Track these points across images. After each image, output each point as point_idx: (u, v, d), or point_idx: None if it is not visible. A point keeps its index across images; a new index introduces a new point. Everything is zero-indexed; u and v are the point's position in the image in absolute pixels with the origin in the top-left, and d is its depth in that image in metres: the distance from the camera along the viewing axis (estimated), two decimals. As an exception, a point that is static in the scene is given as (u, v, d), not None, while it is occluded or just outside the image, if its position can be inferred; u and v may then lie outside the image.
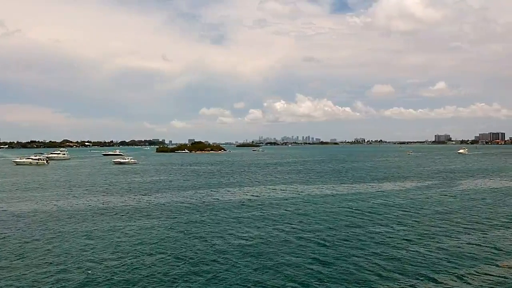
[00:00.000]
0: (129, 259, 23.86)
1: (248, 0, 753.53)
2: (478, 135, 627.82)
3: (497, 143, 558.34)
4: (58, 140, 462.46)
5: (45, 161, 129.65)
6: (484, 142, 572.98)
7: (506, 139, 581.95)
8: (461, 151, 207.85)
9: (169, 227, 32.88)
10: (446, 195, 50.11)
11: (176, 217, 36.98)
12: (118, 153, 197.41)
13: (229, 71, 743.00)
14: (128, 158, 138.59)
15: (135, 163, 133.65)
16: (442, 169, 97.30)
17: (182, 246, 26.82)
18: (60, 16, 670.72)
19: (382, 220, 35.07)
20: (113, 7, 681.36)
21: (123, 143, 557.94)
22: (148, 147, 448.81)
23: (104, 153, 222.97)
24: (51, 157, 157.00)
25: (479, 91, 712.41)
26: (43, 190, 58.85)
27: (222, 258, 24.12)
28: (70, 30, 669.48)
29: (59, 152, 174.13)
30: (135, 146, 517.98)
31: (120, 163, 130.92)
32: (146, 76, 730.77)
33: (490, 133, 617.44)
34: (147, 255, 24.90)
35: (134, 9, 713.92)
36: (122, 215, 37.97)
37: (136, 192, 55.45)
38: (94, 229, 31.87)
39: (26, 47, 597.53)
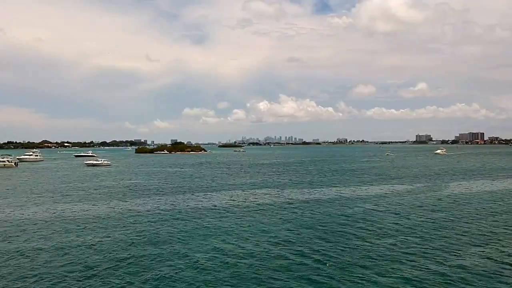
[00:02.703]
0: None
1: (233, 0, 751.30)
2: (458, 135, 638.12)
3: (477, 143, 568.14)
4: (37, 141, 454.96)
5: (13, 163, 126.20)
6: (464, 142, 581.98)
7: (485, 139, 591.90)
8: (438, 151, 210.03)
9: (133, 236, 31.59)
10: (418, 200, 49.84)
11: (137, 227, 35.40)
12: (90, 154, 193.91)
13: (212, 71, 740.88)
14: (101, 160, 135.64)
15: (108, 165, 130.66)
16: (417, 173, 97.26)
17: (143, 261, 25.48)
18: (39, 15, 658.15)
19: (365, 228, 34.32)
20: (93, 7, 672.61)
21: (103, 144, 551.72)
22: (129, 148, 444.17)
23: (76, 154, 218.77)
24: (23, 158, 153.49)
25: (459, 92, 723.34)
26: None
27: (196, 271, 23.03)
28: (50, 29, 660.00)
29: (31, 153, 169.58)
30: (116, 147, 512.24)
31: (93, 165, 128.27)
32: (128, 76, 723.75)
33: (470, 133, 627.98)
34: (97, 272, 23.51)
35: (114, 8, 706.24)
36: (75, 226, 35.95)
37: (99, 199, 53.34)
38: (45, 244, 30.10)
39: (3, 47, 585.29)
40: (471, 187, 62.14)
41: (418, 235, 30.76)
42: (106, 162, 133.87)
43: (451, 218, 37.27)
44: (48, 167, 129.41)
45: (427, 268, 22.79)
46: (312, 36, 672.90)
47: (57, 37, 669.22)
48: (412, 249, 26.96)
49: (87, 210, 43.71)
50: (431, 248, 27.15)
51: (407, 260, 24.47)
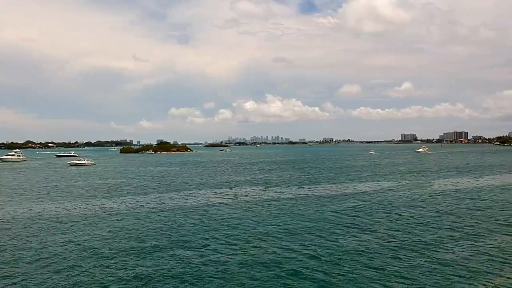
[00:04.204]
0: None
1: (220, 0, 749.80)
2: (443, 134, 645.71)
3: (461, 142, 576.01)
4: (21, 141, 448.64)
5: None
6: (449, 141, 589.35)
7: (469, 138, 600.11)
8: (420, 150, 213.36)
9: (120, 233, 31.30)
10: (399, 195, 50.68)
11: (123, 224, 35.18)
12: (72, 154, 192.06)
13: (199, 71, 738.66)
14: (84, 160, 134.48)
15: (92, 164, 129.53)
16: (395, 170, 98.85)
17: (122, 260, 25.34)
18: (25, 15, 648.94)
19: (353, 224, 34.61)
20: (80, 6, 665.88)
21: (88, 144, 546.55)
22: (114, 148, 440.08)
23: (58, 154, 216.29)
24: (4, 159, 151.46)
25: (444, 92, 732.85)
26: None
27: (184, 266, 22.85)
28: (36, 29, 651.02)
29: (13, 153, 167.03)
30: (101, 147, 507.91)
31: (76, 165, 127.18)
32: (113, 76, 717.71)
33: (454, 132, 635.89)
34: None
35: (101, 8, 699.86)
36: (61, 224, 35.67)
37: (83, 197, 53.02)
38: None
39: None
40: (455, 183, 63.06)
41: (407, 229, 31.08)
42: (89, 161, 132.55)
43: (438, 213, 37.75)
44: (31, 166, 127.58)
45: (418, 261, 23.05)
46: (299, 36, 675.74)
47: (43, 37, 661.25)
48: (402, 242, 27.24)
49: (72, 209, 43.27)
50: (421, 242, 27.44)
51: (398, 253, 24.72)
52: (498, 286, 19.42)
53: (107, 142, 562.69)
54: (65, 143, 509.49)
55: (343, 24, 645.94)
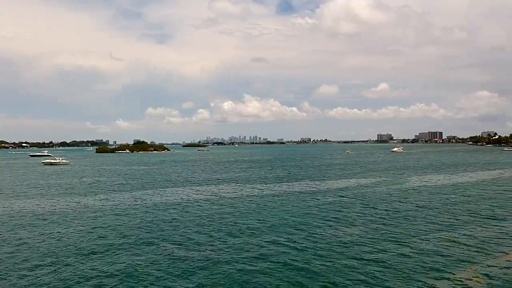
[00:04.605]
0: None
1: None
2: (418, 134, 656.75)
3: (436, 141, 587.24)
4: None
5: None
6: (424, 141, 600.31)
7: (443, 138, 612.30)
8: (395, 149, 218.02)
9: (100, 229, 31.06)
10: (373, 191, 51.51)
11: (102, 220, 34.95)
12: (46, 154, 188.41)
13: (176, 70, 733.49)
14: (58, 159, 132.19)
15: (66, 164, 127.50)
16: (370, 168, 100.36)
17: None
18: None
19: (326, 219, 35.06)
20: (54, 4, 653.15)
21: (63, 144, 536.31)
22: (90, 148, 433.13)
23: (31, 154, 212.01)
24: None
25: (419, 92, 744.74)
26: None
27: (166, 260, 22.74)
28: (9, 27, 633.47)
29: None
30: (76, 147, 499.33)
31: (50, 164, 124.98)
32: (89, 75, 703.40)
33: (429, 132, 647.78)
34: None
35: (75, 6, 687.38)
36: (39, 220, 35.26)
37: (60, 195, 52.43)
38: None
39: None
40: (430, 180, 64.71)
41: (384, 222, 31.81)
42: (64, 161, 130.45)
43: (414, 207, 38.70)
44: (4, 166, 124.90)
45: (396, 250, 23.67)
46: (277, 37, 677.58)
47: (16, 35, 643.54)
48: (380, 234, 27.89)
49: (49, 206, 42.64)
50: (398, 233, 28.14)
51: (376, 244, 25.31)
52: (472, 272, 20.01)
53: (83, 142, 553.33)
54: (39, 143, 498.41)
55: (320, 25, 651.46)
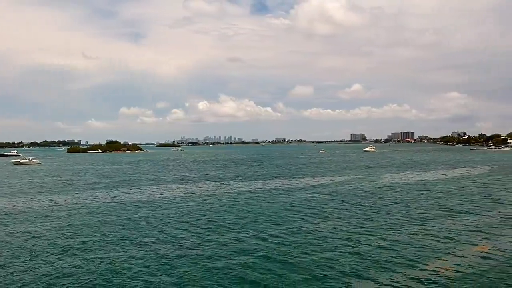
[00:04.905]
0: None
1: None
2: (391, 134, 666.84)
3: (408, 141, 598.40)
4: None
5: None
6: (396, 141, 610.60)
7: (415, 138, 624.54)
8: (367, 149, 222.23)
9: (76, 225, 30.52)
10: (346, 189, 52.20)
11: (77, 217, 34.39)
12: (15, 154, 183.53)
13: (150, 70, 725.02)
14: (29, 158, 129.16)
15: (37, 163, 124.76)
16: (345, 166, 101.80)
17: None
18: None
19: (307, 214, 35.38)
20: (24, 2, 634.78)
21: (34, 144, 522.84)
22: (62, 148, 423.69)
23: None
24: None
25: (391, 93, 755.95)
26: None
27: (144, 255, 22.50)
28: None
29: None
30: (47, 147, 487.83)
31: (20, 163, 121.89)
32: (61, 74, 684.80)
33: (402, 132, 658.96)
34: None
35: (46, 4, 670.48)
36: (12, 218, 34.41)
37: (32, 193, 51.36)
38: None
39: None
40: (403, 177, 66.33)
41: (358, 216, 32.50)
42: (34, 160, 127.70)
43: (387, 202, 39.65)
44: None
45: (370, 242, 24.26)
46: (252, 37, 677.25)
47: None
48: (355, 227, 28.53)
49: (21, 204, 41.85)
50: (372, 226, 28.86)
51: (351, 236, 25.93)
52: (444, 262, 20.63)
53: (54, 142, 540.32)
54: (8, 143, 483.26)
55: (295, 26, 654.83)
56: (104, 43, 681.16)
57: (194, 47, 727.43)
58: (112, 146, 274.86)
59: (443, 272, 19.18)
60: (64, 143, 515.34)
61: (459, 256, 21.56)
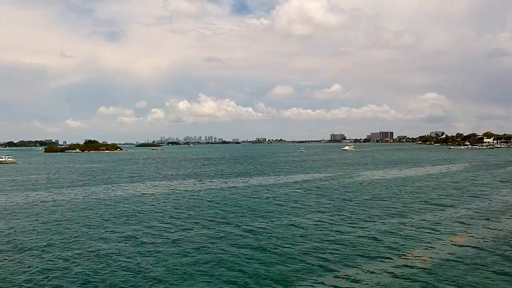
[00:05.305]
0: None
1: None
2: (370, 134, 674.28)
3: (387, 141, 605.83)
4: None
5: None
6: (375, 141, 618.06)
7: (394, 138, 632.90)
8: (346, 148, 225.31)
9: (62, 220, 30.43)
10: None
11: (61, 214, 34.19)
12: None
13: (129, 69, 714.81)
14: (4, 157, 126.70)
15: (14, 162, 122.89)
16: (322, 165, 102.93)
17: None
18: None
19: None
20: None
21: (10, 144, 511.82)
22: (39, 148, 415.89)
23: None
24: None
25: (370, 94, 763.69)
26: None
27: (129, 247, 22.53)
28: None
29: None
30: (24, 147, 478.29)
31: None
32: (37, 73, 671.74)
33: (381, 132, 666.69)
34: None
35: (20, 1, 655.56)
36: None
37: (12, 191, 50.86)
38: None
39: None
40: (384, 174, 67.79)
41: (339, 210, 33.19)
42: (11, 159, 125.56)
43: (368, 197, 40.56)
44: None
45: (354, 234, 24.81)
46: (231, 37, 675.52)
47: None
48: (336, 220, 29.21)
49: (0, 201, 41.36)
50: (353, 218, 29.57)
51: (332, 228, 26.53)
52: (423, 251, 21.29)
53: (31, 142, 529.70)
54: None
55: (275, 26, 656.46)
56: (81, 41, 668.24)
57: (173, 46, 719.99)
58: (90, 145, 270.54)
59: (423, 260, 19.82)
60: (42, 143, 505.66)
61: (437, 246, 22.28)
